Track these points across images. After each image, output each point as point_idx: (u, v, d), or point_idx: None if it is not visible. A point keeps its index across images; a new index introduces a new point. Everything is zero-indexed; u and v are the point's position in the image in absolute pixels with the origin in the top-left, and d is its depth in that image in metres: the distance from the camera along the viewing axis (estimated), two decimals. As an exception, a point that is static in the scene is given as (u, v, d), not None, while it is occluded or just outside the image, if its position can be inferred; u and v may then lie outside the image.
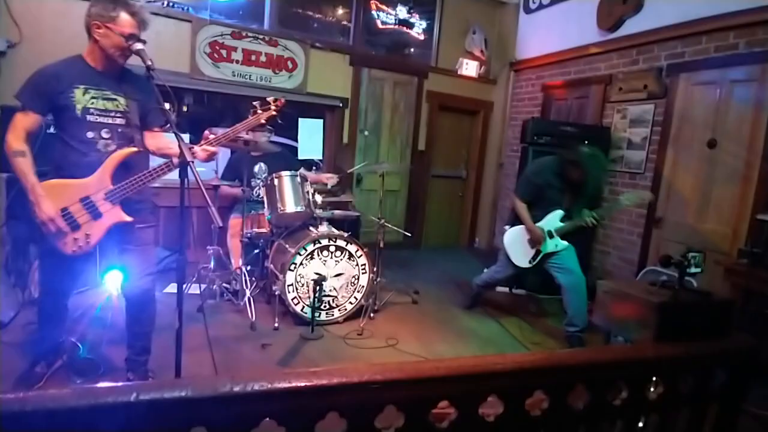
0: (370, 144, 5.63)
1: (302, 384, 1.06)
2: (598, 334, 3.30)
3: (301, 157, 5.30)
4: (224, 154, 4.23)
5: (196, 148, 2.15)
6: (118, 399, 0.95)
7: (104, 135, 2.10)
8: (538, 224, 3.48)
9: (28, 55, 3.67)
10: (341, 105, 5.28)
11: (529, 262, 3.55)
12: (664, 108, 4.12)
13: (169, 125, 1.83)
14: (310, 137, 5.31)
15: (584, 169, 3.31)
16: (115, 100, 2.12)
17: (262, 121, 2.40)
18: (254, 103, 2.46)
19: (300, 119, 5.31)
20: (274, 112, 2.41)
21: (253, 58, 4.68)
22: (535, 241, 3.47)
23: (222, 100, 5.79)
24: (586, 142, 4.41)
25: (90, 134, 2.07)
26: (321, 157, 5.50)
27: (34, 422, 0.89)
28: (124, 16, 1.99)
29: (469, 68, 5.98)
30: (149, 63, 1.85)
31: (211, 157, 2.23)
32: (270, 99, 2.46)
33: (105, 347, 2.74)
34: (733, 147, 3.63)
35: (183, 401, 0.97)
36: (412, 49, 5.93)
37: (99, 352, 2.73)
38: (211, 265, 3.81)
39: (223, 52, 4.53)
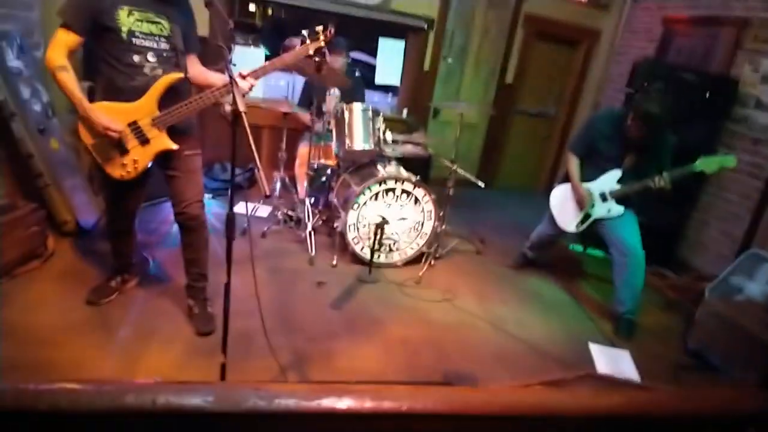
0: (453, 73, 5.15)
1: (330, 406, 0.94)
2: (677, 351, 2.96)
3: (378, 82, 5.00)
4: (299, 80, 4.05)
5: (242, 83, 2.04)
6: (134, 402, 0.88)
7: (150, 59, 2.05)
8: (588, 184, 3.06)
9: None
10: (426, 26, 4.79)
11: (576, 227, 3.14)
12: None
13: (223, 63, 1.65)
14: (390, 61, 4.95)
15: (645, 126, 2.78)
16: (159, 23, 2.04)
17: (310, 53, 2.18)
18: (303, 32, 2.22)
19: (380, 39, 4.93)
20: (322, 43, 2.19)
21: (336, -32, 4.27)
22: (579, 202, 3.07)
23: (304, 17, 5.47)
24: (708, 94, 3.75)
25: (136, 58, 2.02)
26: (398, 83, 5.16)
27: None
28: None
29: (580, -12, 5.16)
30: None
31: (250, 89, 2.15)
32: (319, 28, 2.22)
33: (174, 264, 2.84)
34: None
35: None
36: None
37: (168, 271, 2.84)
38: (277, 191, 3.79)
39: (304, -40, 4.16)
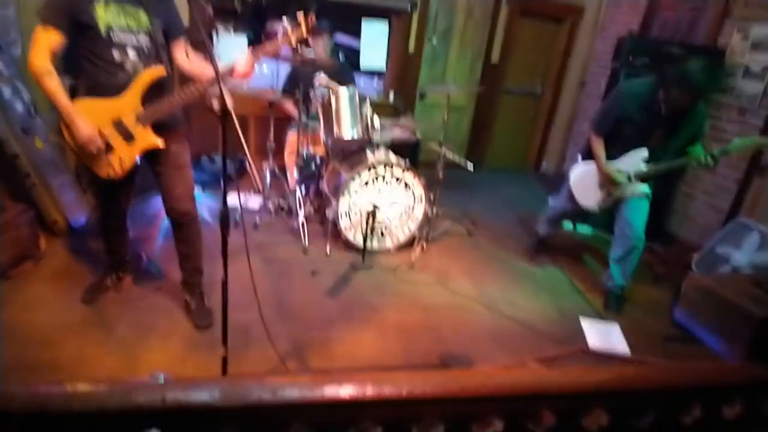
0: (438, 55, 5.13)
1: (332, 395, 0.97)
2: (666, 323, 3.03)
3: (363, 66, 4.96)
4: (284, 67, 4.01)
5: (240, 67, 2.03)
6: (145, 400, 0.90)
7: (130, 55, 2.03)
8: (616, 164, 2.96)
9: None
10: (410, 8, 4.75)
11: (598, 206, 3.11)
12: (802, 31, 3.36)
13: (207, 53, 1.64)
14: (374, 44, 4.91)
15: (695, 93, 2.57)
16: (137, 14, 2.01)
17: (292, 43, 2.15)
18: (284, 19, 2.20)
19: (363, 21, 4.88)
20: (304, 32, 2.12)
21: (315, -50, 4.20)
22: (607, 184, 3.00)
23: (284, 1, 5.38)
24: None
25: (116, 54, 2.01)
26: (384, 67, 5.13)
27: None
28: None
29: (562, -35, 5.13)
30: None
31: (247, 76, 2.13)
32: (299, 15, 2.12)
33: (168, 259, 2.85)
34: None
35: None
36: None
37: (162, 267, 2.85)
38: (267, 181, 3.78)
39: (283, -57, 4.08)
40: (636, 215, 2.90)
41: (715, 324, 1.38)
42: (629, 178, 2.94)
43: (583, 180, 3.17)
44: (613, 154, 2.98)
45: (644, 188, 2.94)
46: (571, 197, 3.22)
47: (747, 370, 1.31)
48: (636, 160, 2.92)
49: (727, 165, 3.88)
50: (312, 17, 2.15)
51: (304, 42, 2.28)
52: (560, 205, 3.39)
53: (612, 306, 3.02)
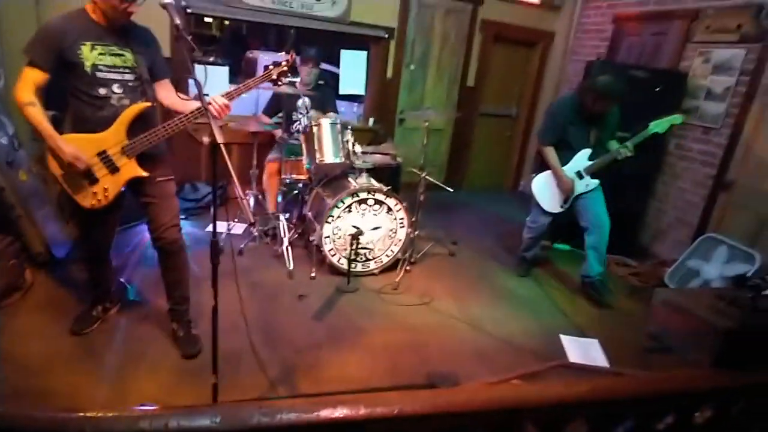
0: (416, 79, 5.29)
1: (328, 416, 1.02)
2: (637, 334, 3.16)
3: (342, 91, 5.08)
4: (265, 92, 4.09)
5: (213, 103, 2.06)
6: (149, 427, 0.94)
7: (116, 90, 2.09)
8: (566, 167, 3.34)
9: None
10: (387, 36, 4.91)
11: (561, 207, 3.43)
12: (758, 54, 3.59)
13: (196, 90, 1.71)
14: (353, 71, 5.04)
15: (607, 99, 3.14)
16: (123, 55, 2.08)
17: (274, 77, 2.30)
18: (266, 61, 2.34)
19: (342, 51, 5.02)
20: (285, 68, 2.32)
21: (295, -17, 4.34)
22: (564, 188, 3.34)
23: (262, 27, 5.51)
24: (657, 89, 4.00)
25: (102, 90, 2.06)
26: (363, 92, 5.26)
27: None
28: None
29: (532, -7, 5.38)
30: (177, 22, 1.70)
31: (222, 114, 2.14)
32: (282, 56, 2.37)
33: (153, 288, 2.86)
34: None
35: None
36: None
37: (147, 295, 2.86)
38: (251, 207, 3.82)
39: (263, -24, 4.21)
40: (597, 205, 3.36)
41: (682, 336, 1.48)
42: (580, 174, 3.34)
43: (543, 189, 3.46)
44: (563, 159, 3.36)
45: (595, 181, 3.37)
46: (542, 209, 3.48)
47: (716, 377, 1.41)
48: (581, 159, 3.36)
49: (694, 182, 4.08)
50: (293, 55, 2.27)
51: (285, 76, 2.40)
52: (537, 221, 3.57)
53: (604, 291, 3.37)
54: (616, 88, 3.14)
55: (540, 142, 3.47)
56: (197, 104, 2.05)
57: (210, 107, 2.03)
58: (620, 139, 3.34)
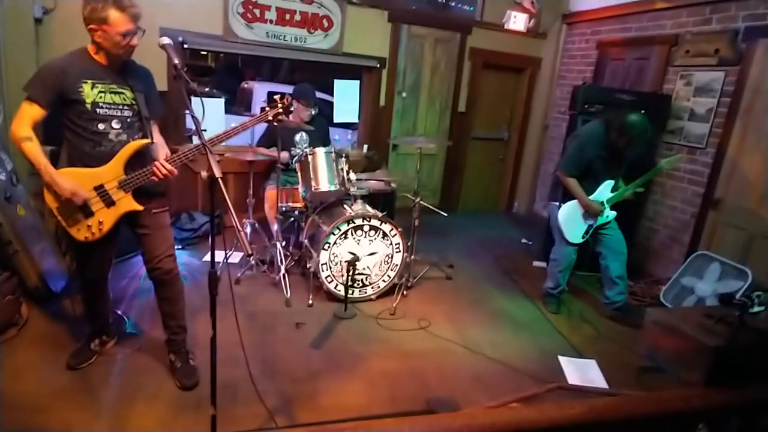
0: (408, 106, 5.41)
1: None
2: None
3: (336, 120, 5.17)
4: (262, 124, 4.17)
5: (157, 167, 2.13)
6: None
7: (115, 126, 2.14)
8: (592, 197, 3.36)
9: (64, 21, 3.62)
10: (378, 65, 5.04)
11: (582, 237, 3.45)
12: (737, 77, 3.72)
13: (195, 131, 1.76)
14: (346, 100, 5.15)
15: (630, 137, 3.16)
16: (122, 93, 2.15)
17: (269, 118, 2.42)
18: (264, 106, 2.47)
19: (336, 81, 5.13)
20: (280, 110, 2.44)
21: (288, 17, 4.47)
22: (593, 215, 3.37)
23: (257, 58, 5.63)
24: (643, 111, 4.10)
25: (101, 126, 2.11)
26: (357, 120, 5.36)
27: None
28: (114, 15, 1.96)
29: (518, 22, 5.55)
30: (176, 62, 1.76)
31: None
32: (277, 97, 2.53)
33: (149, 319, 2.87)
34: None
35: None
36: (454, 2, 5.51)
37: (143, 327, 2.86)
38: (248, 236, 3.85)
39: (257, 11, 4.34)
40: (618, 236, 3.46)
41: (674, 355, 1.51)
42: (603, 206, 3.37)
43: (568, 220, 3.45)
44: (587, 189, 3.36)
45: (614, 212, 3.45)
46: (567, 241, 3.47)
47: (709, 395, 1.43)
48: (605, 190, 3.36)
49: (684, 200, 4.15)
50: (288, 98, 2.36)
51: (279, 118, 2.49)
52: (563, 253, 3.51)
53: (631, 313, 3.46)
54: (645, 130, 3.16)
55: (563, 172, 3.40)
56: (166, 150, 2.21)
57: (154, 169, 2.11)
58: (624, 177, 3.43)
